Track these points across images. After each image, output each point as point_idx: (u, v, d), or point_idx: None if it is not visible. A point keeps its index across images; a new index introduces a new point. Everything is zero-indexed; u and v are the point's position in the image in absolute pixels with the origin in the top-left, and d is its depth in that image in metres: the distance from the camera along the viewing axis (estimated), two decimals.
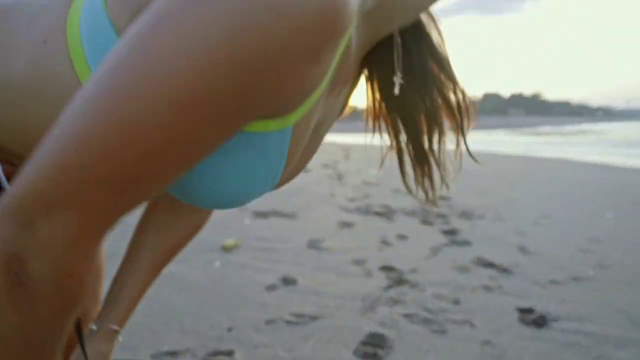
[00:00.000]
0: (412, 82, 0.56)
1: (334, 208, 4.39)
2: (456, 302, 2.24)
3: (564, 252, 3.17)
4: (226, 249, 2.92)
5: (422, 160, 0.62)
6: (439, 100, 0.59)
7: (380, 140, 0.63)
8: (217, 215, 4.06)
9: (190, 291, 2.26)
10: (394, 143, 0.62)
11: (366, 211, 4.27)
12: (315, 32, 0.35)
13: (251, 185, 0.47)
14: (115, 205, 0.37)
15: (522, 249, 3.19)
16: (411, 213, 4.24)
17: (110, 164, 0.35)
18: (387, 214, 4.18)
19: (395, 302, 2.22)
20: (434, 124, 0.60)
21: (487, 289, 2.43)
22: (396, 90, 0.54)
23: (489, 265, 2.80)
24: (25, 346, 0.39)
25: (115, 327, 0.70)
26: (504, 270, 2.73)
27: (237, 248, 2.97)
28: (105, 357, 0.69)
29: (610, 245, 3.37)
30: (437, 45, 0.57)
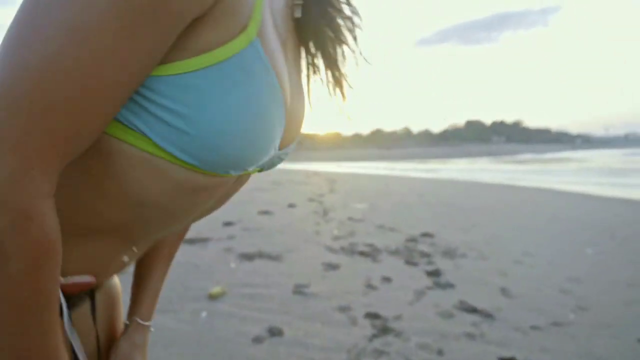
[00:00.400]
0: (314, 9, 0.59)
1: (319, 248, 4.42)
2: (440, 352, 2.28)
3: (545, 293, 3.24)
4: (212, 297, 2.93)
5: (338, 82, 0.63)
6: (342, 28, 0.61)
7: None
8: (203, 259, 4.09)
9: (177, 345, 2.26)
10: (312, 68, 0.64)
11: (351, 251, 4.32)
12: None
13: (262, 106, 0.45)
14: (57, 135, 0.35)
15: (504, 291, 3.25)
16: (395, 252, 4.29)
17: (41, 90, 0.34)
18: (372, 254, 4.22)
19: (380, 353, 2.25)
20: (340, 49, 0.62)
21: (470, 336, 2.47)
22: (297, 14, 0.57)
23: (472, 310, 2.85)
24: (8, 313, 0.36)
25: (146, 323, 0.74)
26: (486, 315, 2.78)
27: (223, 295, 2.98)
28: (141, 348, 0.72)
29: (590, 285, 3.45)
30: None
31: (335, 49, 0.62)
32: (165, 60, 0.41)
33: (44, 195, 0.36)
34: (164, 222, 0.52)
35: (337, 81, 0.63)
